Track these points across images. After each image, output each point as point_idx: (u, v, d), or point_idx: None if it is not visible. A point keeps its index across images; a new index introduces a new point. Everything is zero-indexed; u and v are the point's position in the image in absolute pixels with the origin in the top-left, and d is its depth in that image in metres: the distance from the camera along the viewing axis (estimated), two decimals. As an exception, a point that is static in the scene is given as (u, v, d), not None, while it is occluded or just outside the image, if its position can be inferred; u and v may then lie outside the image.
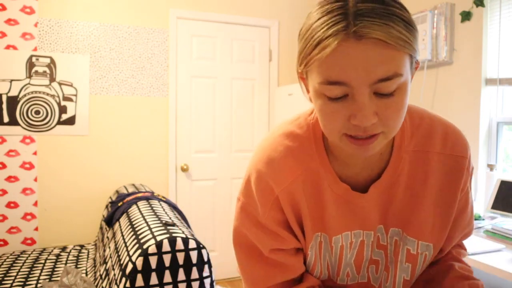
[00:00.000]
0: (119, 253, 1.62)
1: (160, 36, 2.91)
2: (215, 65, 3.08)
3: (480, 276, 2.22)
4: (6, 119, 2.56)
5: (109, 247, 1.90)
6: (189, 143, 3.02)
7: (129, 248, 1.53)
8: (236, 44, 3.13)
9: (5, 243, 2.59)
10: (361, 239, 0.70)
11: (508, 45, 2.13)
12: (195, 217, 3.04)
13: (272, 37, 3.22)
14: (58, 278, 2.00)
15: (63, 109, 2.69)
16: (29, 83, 2.60)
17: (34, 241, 2.66)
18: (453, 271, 0.73)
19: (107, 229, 2.23)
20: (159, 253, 1.42)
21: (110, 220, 2.22)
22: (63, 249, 2.54)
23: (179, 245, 1.44)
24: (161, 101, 2.94)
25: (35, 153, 2.64)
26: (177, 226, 1.63)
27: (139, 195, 2.26)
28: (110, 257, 1.77)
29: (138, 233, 1.61)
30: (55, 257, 2.37)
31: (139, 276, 1.38)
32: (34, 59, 2.61)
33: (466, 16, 2.27)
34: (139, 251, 1.43)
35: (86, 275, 2.08)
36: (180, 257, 1.43)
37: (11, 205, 2.60)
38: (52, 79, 2.66)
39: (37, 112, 2.63)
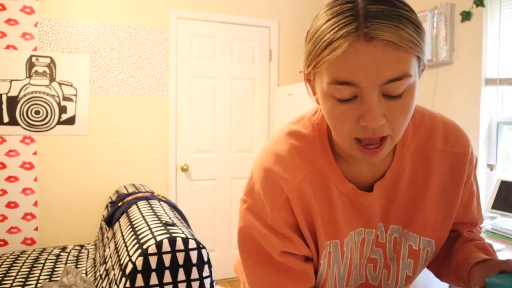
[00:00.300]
0: (119, 253, 1.62)
1: (160, 36, 2.91)
2: (215, 65, 3.08)
3: (480, 276, 2.22)
4: (6, 119, 2.56)
5: (109, 247, 1.90)
6: (189, 143, 3.02)
7: (129, 248, 1.53)
8: (236, 44, 3.13)
9: (5, 243, 2.59)
10: (362, 237, 0.70)
11: (508, 45, 2.13)
12: (195, 217, 3.04)
13: (272, 37, 3.22)
14: (58, 278, 2.00)
15: (63, 109, 2.69)
16: (29, 83, 2.60)
17: (34, 241, 2.66)
18: (461, 237, 0.76)
19: (107, 229, 2.23)
20: (159, 253, 1.41)
21: (110, 220, 2.22)
22: (63, 249, 2.54)
23: (179, 245, 1.44)
24: (161, 101, 2.94)
25: (35, 153, 2.64)
26: (177, 226, 1.63)
27: (139, 195, 2.26)
28: (110, 257, 1.77)
29: (138, 233, 1.60)
30: (55, 257, 2.37)
31: (139, 276, 1.38)
32: (34, 59, 2.61)
33: (466, 16, 2.27)
34: (139, 251, 1.43)
35: (86, 275, 2.08)
36: (180, 257, 1.43)
37: (11, 205, 2.60)
38: (52, 79, 2.66)
39: (37, 112, 2.63)
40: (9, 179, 2.59)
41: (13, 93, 2.57)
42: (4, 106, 2.55)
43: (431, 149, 0.68)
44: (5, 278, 2.03)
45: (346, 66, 0.51)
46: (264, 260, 0.67)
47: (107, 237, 2.10)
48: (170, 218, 1.78)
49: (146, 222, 1.70)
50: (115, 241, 1.83)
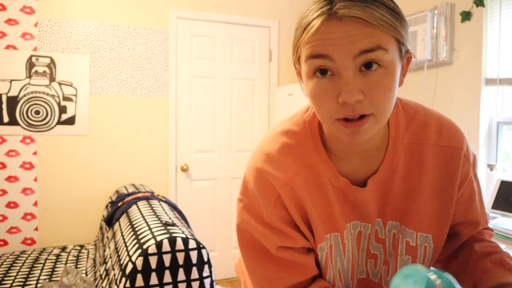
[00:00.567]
0: (119, 253, 1.62)
1: (160, 36, 2.91)
2: (215, 65, 3.08)
3: (480, 276, 2.22)
4: (6, 119, 2.56)
5: (109, 247, 1.90)
6: (189, 143, 3.02)
7: (129, 248, 1.53)
8: (236, 44, 3.13)
9: (5, 243, 2.59)
10: (358, 230, 0.71)
11: (508, 45, 2.13)
12: (195, 217, 3.04)
13: (272, 37, 3.22)
14: (58, 278, 2.00)
15: (63, 109, 2.69)
16: (29, 83, 2.60)
17: (34, 241, 2.66)
18: (474, 253, 0.72)
19: (107, 229, 2.23)
20: (159, 253, 1.42)
21: (110, 220, 2.22)
22: (63, 249, 2.54)
23: (179, 245, 1.44)
24: (161, 101, 2.94)
25: (35, 153, 2.64)
26: (177, 226, 1.63)
27: (139, 195, 2.26)
28: (110, 257, 1.77)
29: (138, 233, 1.60)
30: (55, 257, 2.37)
31: (139, 276, 1.38)
32: (34, 59, 2.61)
33: (466, 16, 2.27)
34: (139, 251, 1.43)
35: (86, 275, 2.08)
36: (180, 257, 1.43)
37: (11, 205, 2.60)
38: (52, 79, 2.66)
39: (37, 112, 2.63)
40: (9, 179, 2.59)
41: (13, 93, 2.57)
42: (4, 106, 2.55)
43: (424, 143, 0.67)
44: (5, 278, 2.03)
45: (319, 41, 0.54)
46: (262, 256, 0.69)
47: (107, 237, 2.10)
48: (170, 218, 1.78)
49: (146, 222, 1.70)
50: (115, 241, 1.83)
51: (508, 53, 2.14)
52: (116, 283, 1.46)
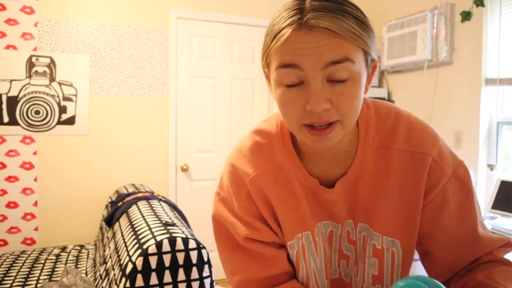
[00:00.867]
0: (119, 253, 1.62)
1: (160, 36, 2.91)
2: (215, 65, 3.08)
3: (480, 276, 2.22)
4: (6, 119, 2.56)
5: (109, 247, 1.90)
6: (189, 143, 3.02)
7: (129, 248, 1.53)
8: (236, 44, 3.13)
9: (5, 243, 2.59)
10: (330, 229, 0.72)
11: (508, 45, 2.13)
12: (195, 217, 3.04)
13: (272, 37, 3.22)
14: (58, 278, 2.00)
15: (63, 109, 2.69)
16: (29, 83, 2.60)
17: (34, 241, 2.66)
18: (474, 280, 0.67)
19: (107, 229, 2.23)
20: (159, 253, 1.41)
21: (110, 220, 2.22)
22: (63, 249, 2.54)
23: (179, 245, 1.44)
24: (161, 101, 2.94)
25: (35, 153, 2.64)
26: (177, 226, 1.63)
27: (139, 195, 2.26)
28: (110, 257, 1.77)
29: (138, 233, 1.60)
30: (55, 257, 2.37)
31: (139, 276, 1.38)
32: (34, 59, 2.61)
33: (466, 16, 2.27)
34: (139, 251, 1.43)
35: (86, 275, 2.08)
36: (180, 257, 1.43)
37: (11, 205, 2.60)
38: (52, 79, 2.66)
39: (37, 112, 2.63)
40: (9, 179, 2.59)
41: (13, 93, 2.57)
42: (4, 106, 2.55)
43: (392, 147, 0.68)
44: (5, 278, 2.03)
45: (289, 50, 0.55)
46: (231, 245, 0.73)
47: (107, 237, 2.10)
48: (170, 218, 1.78)
49: (146, 222, 1.70)
50: (115, 241, 1.83)
51: (508, 53, 2.14)
52: (116, 283, 1.46)
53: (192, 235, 1.56)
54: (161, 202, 2.15)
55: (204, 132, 3.06)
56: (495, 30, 2.17)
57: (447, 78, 2.43)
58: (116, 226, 2.00)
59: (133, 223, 1.78)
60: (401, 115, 0.70)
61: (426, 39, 2.39)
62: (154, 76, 2.91)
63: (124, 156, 2.85)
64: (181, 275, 1.43)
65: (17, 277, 2.05)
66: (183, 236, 1.48)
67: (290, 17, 0.56)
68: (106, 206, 2.58)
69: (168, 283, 1.41)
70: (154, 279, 1.39)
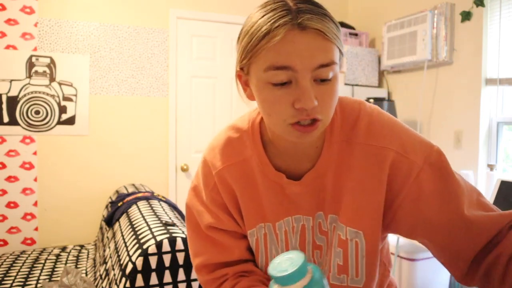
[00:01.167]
0: (119, 253, 1.62)
1: (160, 36, 2.91)
2: (215, 65, 3.08)
3: (480, 276, 2.22)
4: (6, 119, 2.56)
5: (109, 247, 1.90)
6: (189, 143, 3.02)
7: (129, 248, 1.53)
8: (236, 44, 3.13)
9: (5, 243, 2.59)
10: (302, 223, 0.75)
11: (508, 45, 2.13)
12: (195, 217, 3.03)
13: (272, 37, 3.22)
14: (58, 278, 2.00)
15: (63, 109, 2.69)
16: (29, 83, 2.60)
17: (34, 241, 2.66)
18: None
19: (107, 229, 2.23)
20: (159, 253, 1.42)
21: (110, 220, 2.22)
22: (63, 249, 2.54)
23: (179, 245, 1.44)
24: (161, 101, 2.94)
25: (35, 153, 2.64)
26: (177, 226, 1.63)
27: (139, 195, 2.26)
28: (110, 257, 1.77)
29: (138, 233, 1.61)
30: (55, 257, 2.37)
31: (139, 276, 1.38)
32: (34, 59, 2.61)
33: (466, 16, 2.27)
34: (139, 251, 1.43)
35: (86, 275, 2.08)
36: (180, 257, 1.43)
37: (11, 205, 2.60)
38: (52, 79, 2.66)
39: (37, 112, 2.63)
40: (9, 179, 2.59)
41: (13, 93, 2.57)
42: (4, 106, 2.55)
43: (353, 142, 0.70)
44: (5, 278, 2.03)
45: (284, 52, 0.58)
46: (196, 230, 0.79)
47: (107, 237, 2.10)
48: (170, 218, 1.78)
49: (146, 222, 1.70)
50: (115, 241, 1.83)
51: (508, 53, 2.14)
52: (116, 283, 1.46)
53: (192, 235, 1.55)
54: (161, 202, 2.15)
55: (204, 132, 3.06)
56: (495, 30, 2.17)
57: (447, 78, 2.43)
58: (116, 226, 2.00)
59: (133, 223, 1.78)
60: (364, 110, 0.72)
61: (426, 39, 2.39)
62: (154, 76, 2.91)
63: (124, 156, 2.85)
64: (181, 275, 1.43)
65: (17, 277, 2.05)
66: (183, 236, 1.48)
67: (280, 17, 0.57)
68: (106, 206, 2.58)
69: (168, 283, 1.41)
70: (154, 279, 1.39)
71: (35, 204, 2.65)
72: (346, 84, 2.77)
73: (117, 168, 2.83)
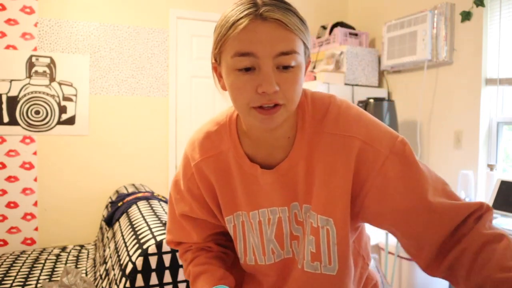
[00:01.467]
0: (119, 253, 1.62)
1: (160, 36, 2.91)
2: (215, 65, 3.08)
3: (480, 276, 2.21)
4: (6, 119, 2.56)
5: (109, 247, 1.90)
6: (189, 143, 3.02)
7: (129, 248, 1.53)
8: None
9: (5, 243, 2.59)
10: (278, 216, 0.79)
11: (508, 45, 2.13)
12: (195, 217, 3.04)
13: (272, 37, 3.22)
14: (58, 278, 2.00)
15: (63, 109, 2.69)
16: (29, 83, 2.60)
17: (34, 241, 2.66)
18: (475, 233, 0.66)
19: (107, 229, 2.23)
20: (159, 253, 1.42)
21: (110, 220, 2.22)
22: (63, 249, 2.54)
23: (179, 245, 1.44)
24: (161, 101, 2.94)
25: (35, 153, 2.64)
26: (177, 226, 1.63)
27: (139, 195, 2.26)
28: (110, 257, 1.77)
29: (138, 233, 1.61)
30: (55, 257, 2.37)
31: (139, 276, 1.38)
32: (34, 59, 2.61)
33: (466, 16, 2.27)
34: (139, 251, 1.43)
35: (86, 275, 2.08)
36: (180, 257, 1.43)
37: (11, 205, 2.60)
38: (52, 79, 2.66)
39: (37, 112, 2.63)
40: (9, 179, 2.59)
41: (13, 93, 2.57)
42: (4, 106, 2.55)
43: (322, 132, 0.73)
44: (5, 278, 2.03)
45: (246, 39, 0.63)
46: (172, 214, 0.89)
47: (107, 237, 2.10)
48: (170, 218, 1.78)
49: (146, 222, 1.70)
50: (115, 241, 1.83)
51: (508, 53, 2.14)
52: (116, 283, 1.46)
53: (192, 235, 1.55)
54: (161, 202, 2.15)
55: (204, 132, 3.05)
56: (495, 30, 2.17)
57: (447, 78, 2.43)
58: (116, 226, 2.00)
59: (133, 223, 1.78)
60: (334, 103, 0.75)
61: (426, 39, 2.39)
62: (154, 76, 2.91)
63: (124, 156, 2.85)
64: (181, 275, 1.43)
65: (17, 277, 2.05)
66: (183, 236, 1.48)
67: (246, 9, 0.64)
68: (106, 206, 2.58)
69: (168, 283, 1.41)
70: (154, 279, 1.39)
71: (35, 204, 2.65)
72: (346, 84, 2.77)
73: (117, 168, 2.83)
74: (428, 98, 2.56)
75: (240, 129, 0.79)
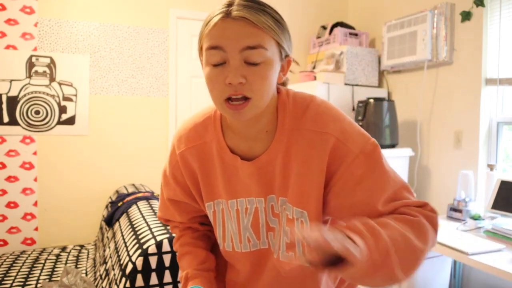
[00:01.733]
0: (119, 253, 1.62)
1: (160, 36, 2.91)
2: (215, 65, 3.08)
3: (480, 276, 2.22)
4: (6, 119, 2.56)
5: (109, 247, 1.90)
6: (189, 143, 3.02)
7: (129, 248, 1.53)
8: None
9: (5, 243, 2.59)
10: (255, 206, 0.83)
11: (508, 45, 2.13)
12: (195, 217, 3.04)
13: (272, 37, 3.22)
14: (58, 278, 2.00)
15: (63, 109, 2.69)
16: (29, 83, 2.60)
17: (34, 241, 2.66)
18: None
19: (107, 229, 2.23)
20: (159, 253, 1.42)
21: (110, 220, 2.22)
22: (63, 249, 2.54)
23: (179, 245, 1.44)
24: (161, 101, 2.94)
25: (35, 153, 2.64)
26: (177, 226, 1.63)
27: (139, 195, 2.26)
28: (110, 257, 1.77)
29: (138, 233, 1.61)
30: (55, 257, 2.37)
31: (139, 276, 1.38)
32: (34, 59, 2.61)
33: (466, 16, 2.27)
34: (139, 251, 1.43)
35: (86, 275, 2.08)
36: (180, 257, 1.43)
37: (11, 205, 2.60)
38: (52, 79, 2.66)
39: (37, 112, 2.63)
40: (9, 179, 2.59)
41: (13, 93, 2.57)
42: (4, 106, 2.55)
43: (301, 129, 0.77)
44: (5, 278, 2.03)
45: (216, 35, 0.69)
46: (162, 196, 0.97)
47: (107, 237, 2.10)
48: (170, 218, 1.78)
49: (146, 222, 1.70)
50: (115, 241, 1.83)
51: (508, 53, 2.14)
52: (116, 283, 1.46)
53: (192, 235, 1.55)
54: (161, 202, 2.15)
55: (204, 132, 3.06)
56: (495, 30, 2.17)
57: (447, 78, 2.43)
58: (116, 226, 2.00)
59: (133, 223, 1.78)
60: (314, 102, 0.80)
61: (426, 39, 2.39)
62: (154, 76, 2.91)
63: (124, 156, 2.85)
64: (181, 275, 1.43)
65: (17, 277, 2.05)
66: (183, 236, 1.48)
67: (220, 9, 0.70)
68: (106, 206, 2.58)
69: (168, 283, 1.41)
70: (154, 279, 1.39)
71: (35, 204, 2.65)
72: (346, 84, 2.77)
73: (117, 168, 2.83)
74: (428, 98, 2.56)
75: (224, 122, 0.83)
